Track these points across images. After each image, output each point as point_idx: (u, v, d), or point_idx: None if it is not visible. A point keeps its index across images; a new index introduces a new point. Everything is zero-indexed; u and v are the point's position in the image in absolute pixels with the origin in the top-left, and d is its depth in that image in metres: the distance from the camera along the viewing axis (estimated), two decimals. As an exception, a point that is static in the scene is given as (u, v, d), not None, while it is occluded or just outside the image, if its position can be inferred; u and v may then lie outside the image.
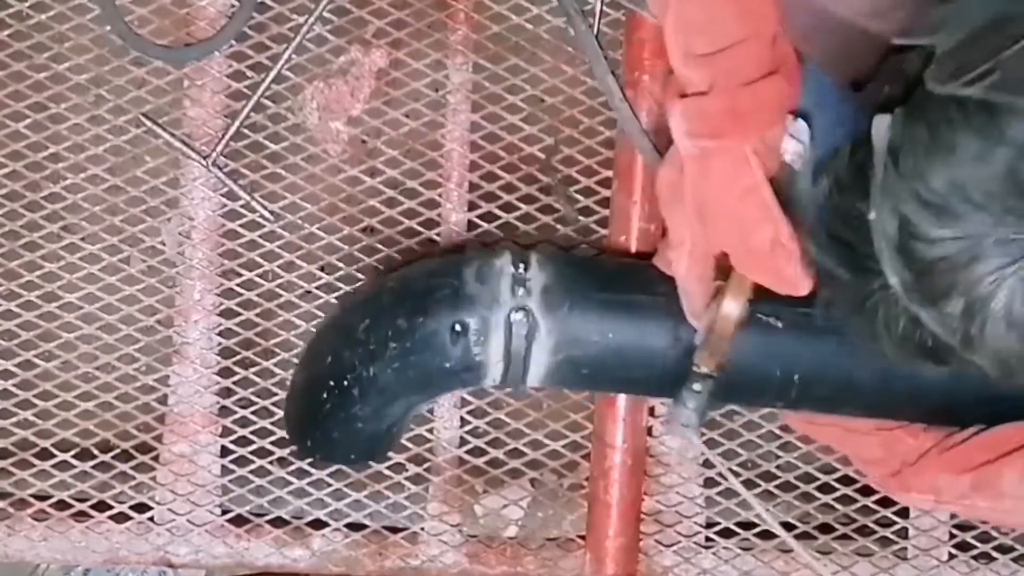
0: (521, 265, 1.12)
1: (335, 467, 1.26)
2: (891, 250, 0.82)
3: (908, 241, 0.81)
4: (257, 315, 1.26)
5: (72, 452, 1.27)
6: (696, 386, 1.08)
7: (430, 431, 1.28)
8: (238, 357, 1.27)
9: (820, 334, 1.10)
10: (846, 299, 0.89)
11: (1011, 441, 1.08)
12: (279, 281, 1.27)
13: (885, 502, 1.28)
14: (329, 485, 1.27)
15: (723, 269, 1.06)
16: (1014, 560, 1.28)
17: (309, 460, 1.25)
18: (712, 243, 1.04)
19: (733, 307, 1.06)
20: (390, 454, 1.27)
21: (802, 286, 1.00)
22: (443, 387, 1.16)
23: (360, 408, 1.14)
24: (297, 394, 1.21)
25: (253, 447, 1.27)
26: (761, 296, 1.06)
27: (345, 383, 1.13)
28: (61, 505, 1.27)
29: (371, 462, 1.24)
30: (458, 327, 1.11)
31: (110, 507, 1.27)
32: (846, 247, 0.87)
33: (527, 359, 1.12)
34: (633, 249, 1.21)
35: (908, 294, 0.82)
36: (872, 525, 1.28)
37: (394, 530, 1.28)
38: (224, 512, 1.27)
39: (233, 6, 1.26)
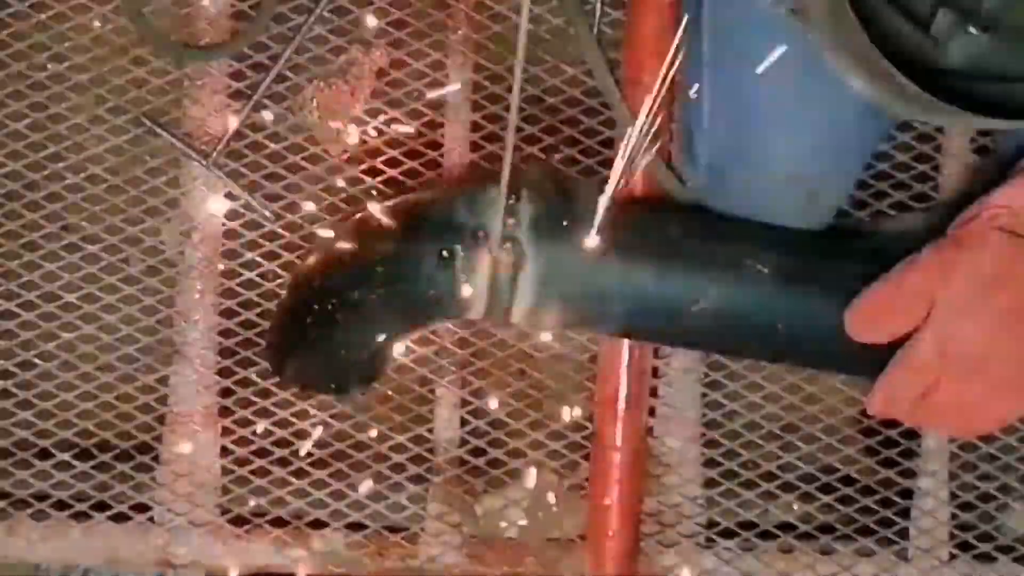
0: (512, 197, 1.12)
1: (318, 396, 1.26)
2: None
3: None
4: (257, 315, 1.26)
5: (72, 452, 1.27)
6: None
7: (430, 431, 1.28)
8: (238, 357, 1.27)
9: (807, 285, 1.11)
10: None
11: None
12: (279, 281, 1.27)
13: (886, 502, 1.28)
14: (329, 485, 1.27)
15: None
16: (1015, 560, 1.28)
17: (292, 390, 1.25)
18: None
19: None
20: (390, 453, 1.27)
21: None
22: (427, 316, 1.15)
23: (343, 334, 1.14)
24: (281, 319, 1.21)
25: (253, 447, 1.27)
26: None
27: (330, 307, 1.13)
28: (61, 505, 1.27)
29: (350, 392, 1.23)
30: (445, 254, 1.11)
31: (110, 507, 1.27)
32: None
33: (512, 290, 1.12)
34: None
35: None
36: (873, 525, 1.28)
37: (394, 530, 1.28)
38: (224, 512, 1.27)
39: (233, 6, 1.26)
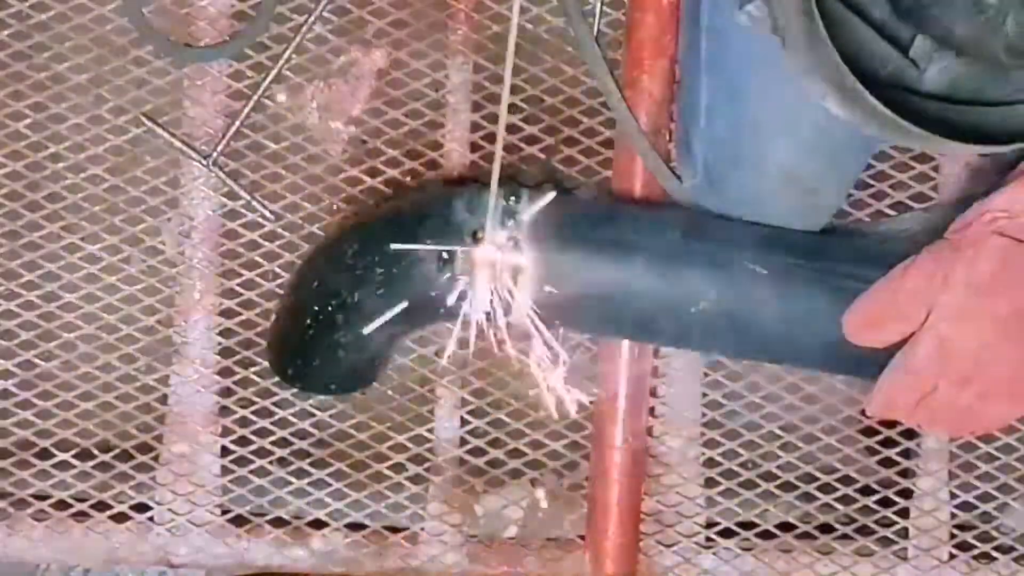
0: (512, 198, 1.13)
1: (318, 397, 1.26)
2: None
3: None
4: (257, 315, 1.26)
5: (72, 452, 1.27)
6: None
7: (430, 431, 1.28)
8: (238, 357, 1.27)
9: (805, 287, 1.11)
10: None
11: None
12: (279, 281, 1.27)
13: (886, 502, 1.28)
14: (329, 485, 1.27)
15: None
16: (1014, 560, 1.28)
17: (292, 390, 1.25)
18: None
19: None
20: (390, 453, 1.27)
21: None
22: (427, 316, 1.16)
23: (343, 335, 1.14)
24: (281, 320, 1.22)
25: (253, 447, 1.27)
26: None
27: (329, 308, 1.14)
28: (61, 505, 1.27)
29: (349, 393, 1.24)
30: (445, 255, 1.11)
31: (110, 507, 1.27)
32: None
33: (512, 291, 1.12)
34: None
35: None
36: (872, 525, 1.28)
37: (394, 530, 1.28)
38: (224, 512, 1.27)
39: (233, 6, 1.26)
